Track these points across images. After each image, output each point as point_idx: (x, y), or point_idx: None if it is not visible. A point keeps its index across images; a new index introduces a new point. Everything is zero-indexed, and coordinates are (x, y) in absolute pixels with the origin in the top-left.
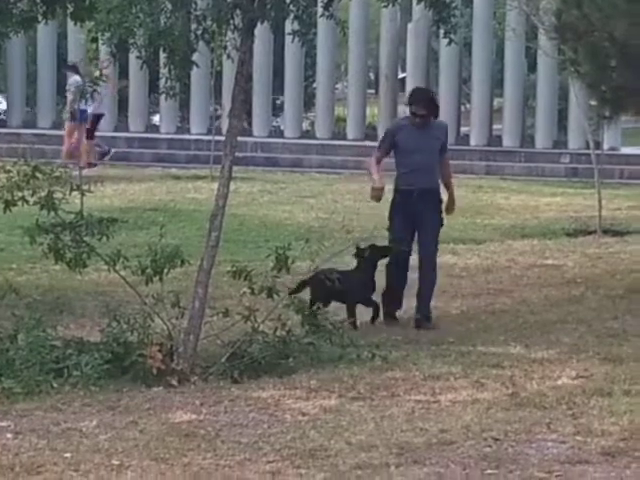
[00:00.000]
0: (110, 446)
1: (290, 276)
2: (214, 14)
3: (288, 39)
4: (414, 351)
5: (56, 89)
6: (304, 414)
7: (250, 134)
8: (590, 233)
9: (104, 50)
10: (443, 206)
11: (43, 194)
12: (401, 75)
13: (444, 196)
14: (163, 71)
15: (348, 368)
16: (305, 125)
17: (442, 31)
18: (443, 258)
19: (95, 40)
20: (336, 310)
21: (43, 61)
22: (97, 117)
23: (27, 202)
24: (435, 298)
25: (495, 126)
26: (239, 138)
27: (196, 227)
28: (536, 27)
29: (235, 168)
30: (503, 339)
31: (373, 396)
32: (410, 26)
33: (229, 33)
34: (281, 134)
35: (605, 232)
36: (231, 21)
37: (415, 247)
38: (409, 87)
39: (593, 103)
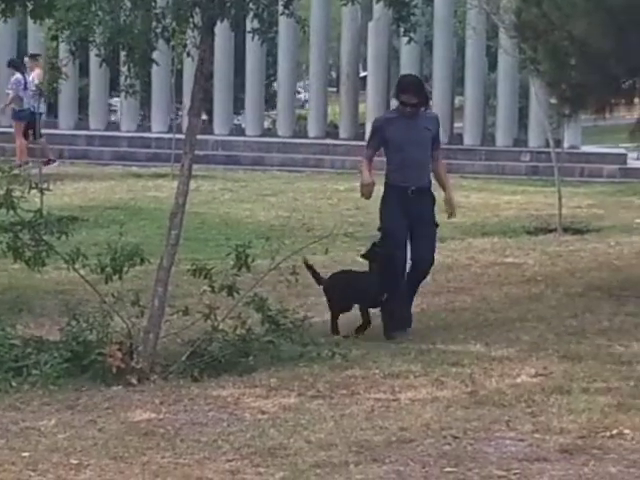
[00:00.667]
0: (69, 445)
1: (250, 274)
2: (174, 12)
3: (249, 37)
4: (374, 349)
5: None
6: (264, 412)
7: (211, 132)
8: (550, 231)
9: (63, 48)
10: (437, 208)
11: (1, 192)
12: (362, 74)
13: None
14: (123, 69)
15: (308, 366)
16: (266, 123)
17: (402, 30)
18: None
19: (55, 38)
20: (295, 308)
21: (3, 60)
22: (33, 115)
23: None
24: None
25: (456, 124)
26: (200, 136)
27: (157, 225)
28: (496, 26)
29: (196, 166)
30: (463, 337)
31: (333, 394)
32: (371, 25)
33: (189, 31)
34: (242, 132)
35: (565, 230)
36: (191, 19)
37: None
38: (370, 85)
39: (553, 101)
